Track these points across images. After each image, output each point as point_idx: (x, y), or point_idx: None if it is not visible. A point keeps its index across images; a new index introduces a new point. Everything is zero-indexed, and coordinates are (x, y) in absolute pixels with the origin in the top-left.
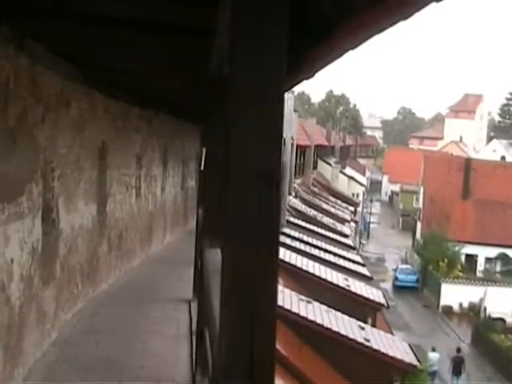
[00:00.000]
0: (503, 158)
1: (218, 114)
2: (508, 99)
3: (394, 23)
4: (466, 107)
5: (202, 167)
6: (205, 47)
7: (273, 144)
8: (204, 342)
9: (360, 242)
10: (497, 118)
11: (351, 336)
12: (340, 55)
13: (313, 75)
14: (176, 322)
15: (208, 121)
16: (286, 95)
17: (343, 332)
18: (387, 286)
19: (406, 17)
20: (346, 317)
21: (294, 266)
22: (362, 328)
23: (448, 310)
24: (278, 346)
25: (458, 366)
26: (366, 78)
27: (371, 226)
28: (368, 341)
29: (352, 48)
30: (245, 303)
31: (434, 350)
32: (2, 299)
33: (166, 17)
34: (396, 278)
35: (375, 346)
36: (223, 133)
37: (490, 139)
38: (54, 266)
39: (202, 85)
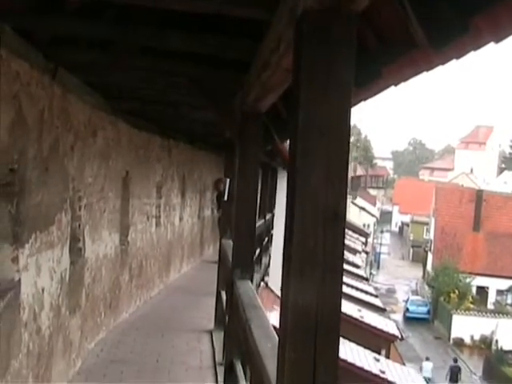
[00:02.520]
0: None
1: (247, 146)
2: None
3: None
4: (476, 139)
5: (226, 197)
6: (240, 80)
7: (340, 177)
8: (234, 372)
9: (370, 273)
10: (507, 150)
11: (367, 368)
12: (381, 91)
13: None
14: (199, 352)
15: (233, 152)
16: None
17: (358, 364)
18: (398, 317)
19: (459, 57)
20: (360, 348)
21: None
22: (377, 360)
23: (459, 342)
24: None
25: (454, 375)
26: (377, 108)
27: (381, 256)
28: (383, 372)
29: (396, 85)
30: (308, 344)
31: (427, 359)
32: (33, 328)
33: (205, 48)
34: (407, 310)
35: (390, 378)
36: (255, 162)
37: (500, 171)
38: (80, 295)
39: (234, 117)
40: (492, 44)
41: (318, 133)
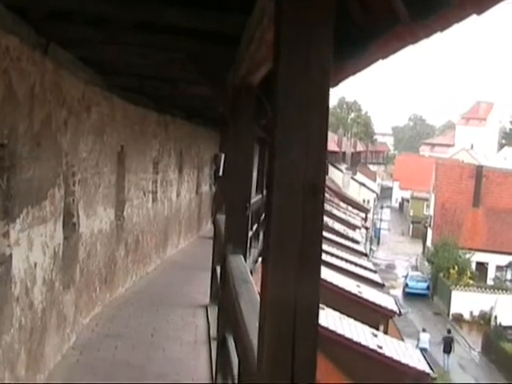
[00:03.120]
0: None
1: (243, 120)
2: None
3: (431, 35)
4: (477, 115)
5: (221, 173)
6: (231, 53)
7: (319, 151)
8: (226, 347)
9: (370, 249)
10: (508, 126)
11: (364, 343)
12: (369, 65)
13: (337, 84)
14: (194, 327)
15: (230, 126)
16: None
17: (356, 339)
18: (397, 292)
19: (443, 30)
20: (358, 324)
21: None
22: (375, 335)
23: (459, 318)
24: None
25: (448, 345)
26: (378, 84)
27: (381, 232)
28: (381, 348)
29: (383, 58)
30: (287, 318)
31: (424, 330)
32: (25, 303)
33: (197, 23)
34: (406, 285)
35: (388, 353)
36: (248, 137)
37: (501, 147)
38: (75, 270)
39: (226, 90)
40: (474, 16)
41: (297, 108)
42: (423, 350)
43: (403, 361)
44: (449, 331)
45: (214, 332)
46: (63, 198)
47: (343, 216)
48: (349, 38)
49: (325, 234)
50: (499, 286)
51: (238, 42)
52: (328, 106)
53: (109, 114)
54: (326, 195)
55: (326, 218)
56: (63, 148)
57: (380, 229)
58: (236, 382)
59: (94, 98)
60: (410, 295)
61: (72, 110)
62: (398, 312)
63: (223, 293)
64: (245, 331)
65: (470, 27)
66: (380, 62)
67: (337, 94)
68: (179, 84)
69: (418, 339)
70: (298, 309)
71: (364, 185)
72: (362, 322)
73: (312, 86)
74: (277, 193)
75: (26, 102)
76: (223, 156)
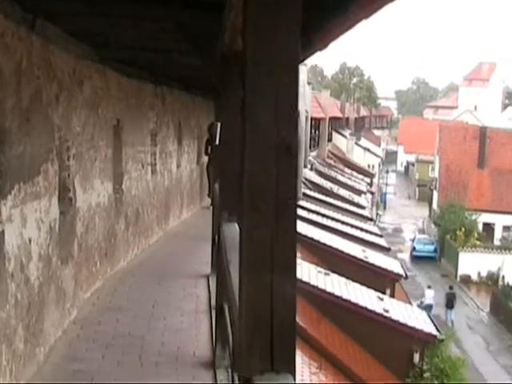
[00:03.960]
0: None
1: (232, 88)
2: None
3: None
4: (479, 76)
5: (217, 142)
6: (219, 21)
7: (289, 114)
8: (224, 316)
9: (377, 213)
10: (511, 86)
11: (370, 307)
12: (354, 25)
13: (326, 46)
14: (195, 297)
15: (222, 95)
16: (300, 68)
17: (362, 303)
18: (405, 256)
19: None
20: (364, 288)
21: (312, 239)
22: (381, 299)
23: (466, 279)
24: (296, 319)
25: (450, 301)
26: (379, 49)
27: (387, 196)
28: (387, 311)
29: (366, 17)
30: (264, 276)
31: (429, 287)
32: (21, 279)
33: None
34: (414, 249)
35: (394, 317)
36: (238, 106)
37: (504, 107)
38: (72, 244)
39: (216, 59)
40: None
41: (267, 72)
42: (428, 307)
43: (410, 323)
44: (451, 287)
45: (214, 301)
46: (57, 173)
47: (348, 182)
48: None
49: (329, 199)
50: (506, 247)
51: (219, 9)
52: (297, 68)
53: (103, 88)
54: (331, 161)
55: (330, 184)
56: (55, 123)
57: (386, 193)
58: (231, 351)
59: (86, 71)
60: (417, 258)
61: (63, 84)
62: (404, 275)
63: (218, 262)
64: (233, 298)
65: None
66: (363, 21)
67: (338, 60)
68: (172, 54)
69: (423, 295)
70: (274, 268)
71: (368, 150)
72: (368, 287)
73: (280, 48)
74: (249, 155)
75: (12, 78)
76: (219, 125)
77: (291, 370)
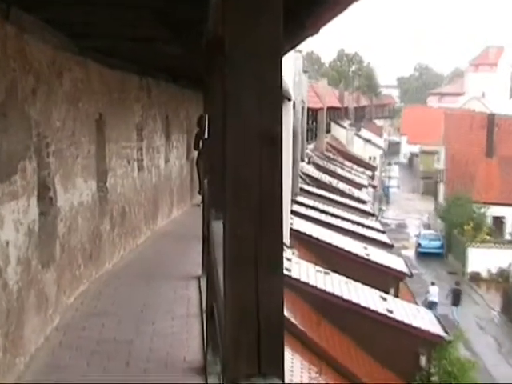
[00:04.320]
0: None
1: (218, 77)
2: None
3: None
4: (487, 60)
5: (206, 135)
6: (201, 7)
7: (273, 102)
8: (214, 318)
9: (380, 208)
10: None
11: (373, 307)
12: (345, 8)
13: (318, 31)
14: (186, 300)
15: (209, 85)
16: (294, 55)
17: (364, 304)
18: (410, 253)
19: None
20: (366, 288)
21: (310, 236)
22: (384, 299)
23: (476, 277)
24: (295, 321)
25: (457, 297)
26: (379, 33)
27: (391, 190)
28: (391, 312)
29: (356, 0)
30: (248, 273)
31: (433, 283)
32: None
33: None
34: (419, 245)
35: (398, 318)
36: (219, 97)
37: None
38: (54, 247)
39: (201, 47)
40: None
41: (248, 58)
42: (432, 304)
43: (415, 324)
44: (457, 283)
45: (205, 303)
46: (36, 171)
47: (348, 175)
48: None
49: (328, 194)
50: None
51: None
52: (280, 55)
53: (83, 80)
54: (329, 154)
55: (329, 178)
56: (32, 118)
57: (389, 187)
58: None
59: (66, 63)
60: (423, 255)
61: (41, 77)
62: (408, 273)
63: (207, 261)
64: (221, 299)
65: None
66: (354, 4)
67: (336, 46)
68: (155, 43)
69: (427, 292)
70: (259, 264)
71: (369, 141)
72: (371, 286)
73: (262, 33)
74: (230, 146)
75: None
76: (207, 117)
77: (279, 370)
